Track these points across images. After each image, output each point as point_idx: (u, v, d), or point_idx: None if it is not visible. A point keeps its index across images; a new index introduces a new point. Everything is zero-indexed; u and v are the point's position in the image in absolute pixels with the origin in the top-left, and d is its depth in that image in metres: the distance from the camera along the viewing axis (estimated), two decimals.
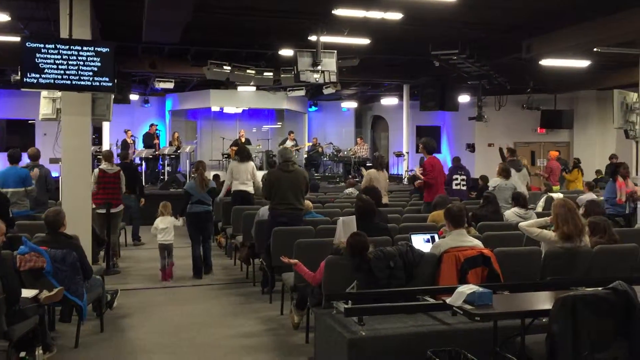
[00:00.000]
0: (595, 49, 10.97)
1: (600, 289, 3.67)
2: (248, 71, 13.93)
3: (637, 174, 15.33)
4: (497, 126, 18.24)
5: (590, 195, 9.81)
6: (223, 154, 17.76)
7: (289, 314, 5.90)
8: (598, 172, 14.97)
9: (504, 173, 10.17)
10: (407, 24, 10.31)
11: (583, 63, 12.98)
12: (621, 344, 3.51)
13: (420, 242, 5.41)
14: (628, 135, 9.44)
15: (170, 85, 16.08)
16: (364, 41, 11.31)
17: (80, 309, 5.15)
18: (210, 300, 7.02)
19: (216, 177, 13.07)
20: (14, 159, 8.16)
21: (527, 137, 18.66)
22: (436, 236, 5.55)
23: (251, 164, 9.60)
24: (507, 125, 18.45)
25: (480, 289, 3.67)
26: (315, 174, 18.00)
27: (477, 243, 4.95)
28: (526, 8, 9.92)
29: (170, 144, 17.12)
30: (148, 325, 5.93)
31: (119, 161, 11.02)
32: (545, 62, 12.43)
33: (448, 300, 3.83)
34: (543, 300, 3.94)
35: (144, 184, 15.69)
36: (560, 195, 9.29)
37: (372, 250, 4.68)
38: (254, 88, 16.82)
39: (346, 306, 4.08)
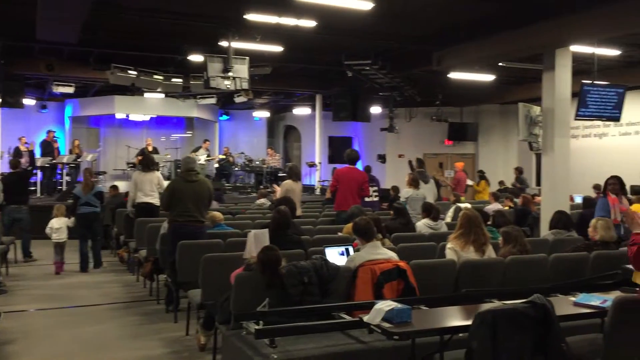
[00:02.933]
0: (500, 63, 11.33)
1: (518, 302, 3.59)
2: (155, 77, 13.30)
3: (536, 185, 16.15)
4: (407, 137, 18.56)
5: (497, 206, 10.06)
6: (128, 163, 16.93)
7: (194, 335, 5.50)
8: (501, 183, 15.53)
9: (414, 183, 10.26)
10: (321, 32, 10.18)
11: (488, 77, 13.42)
12: (538, 358, 3.44)
13: (335, 255, 5.19)
14: (532, 147, 9.75)
15: (70, 90, 15.08)
16: (277, 48, 11.08)
17: None
18: (108, 321, 6.46)
19: (114, 187, 12.43)
20: None
21: (435, 148, 19.11)
22: (351, 248, 5.37)
23: (156, 174, 9.07)
24: (417, 136, 18.83)
25: (399, 306, 3.49)
26: (227, 184, 17.54)
27: (393, 255, 4.80)
28: (436, 20, 10.07)
29: (70, 152, 16.08)
30: (34, 353, 5.32)
31: (7, 169, 10.12)
32: (454, 75, 12.73)
33: (365, 319, 3.63)
34: (461, 315, 3.82)
35: (38, 194, 14.73)
36: (469, 206, 9.45)
37: (285, 265, 4.40)
38: (162, 95, 16.14)
39: (257, 327, 3.77)
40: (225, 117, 21.61)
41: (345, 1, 7.73)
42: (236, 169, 18.76)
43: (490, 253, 5.24)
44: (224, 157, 18.47)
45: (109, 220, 10.79)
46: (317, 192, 17.73)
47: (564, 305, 4.06)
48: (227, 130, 21.76)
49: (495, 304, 3.96)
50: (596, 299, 4.06)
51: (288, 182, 9.04)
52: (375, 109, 17.65)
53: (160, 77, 13.38)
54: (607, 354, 3.70)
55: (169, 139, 19.64)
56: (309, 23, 9.12)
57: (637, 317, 3.55)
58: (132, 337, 5.81)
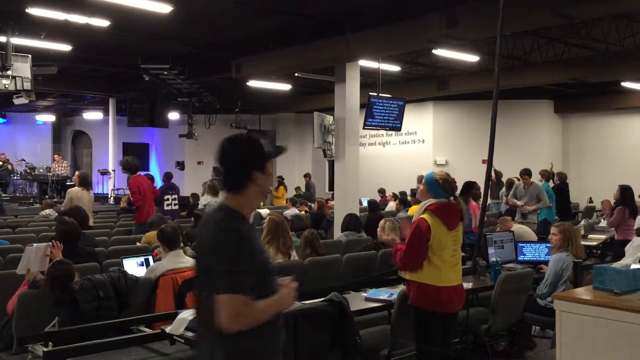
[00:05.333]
0: (296, 74, 11.82)
1: (317, 301, 3.78)
2: None
3: (329, 190, 17.16)
4: (206, 144, 18.40)
5: (294, 210, 10.47)
6: None
7: None
8: (297, 188, 16.20)
9: (212, 191, 10.25)
10: (115, 33, 9.68)
11: (285, 86, 13.93)
12: (337, 354, 3.66)
13: (134, 266, 4.98)
14: (326, 154, 10.33)
15: None
16: (65, 47, 10.25)
17: None
18: None
19: None
20: None
21: None
22: (150, 258, 5.19)
23: None
24: (216, 143, 18.51)
25: None
26: (4, 195, 15.75)
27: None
28: (234, 29, 10.17)
29: None
30: None
31: None
32: (253, 84, 12.98)
33: (168, 330, 3.54)
34: None
35: None
36: (268, 211, 9.69)
37: (78, 280, 4.09)
38: None
39: (46, 349, 3.44)
40: (1, 120, 19.44)
41: (141, 2, 7.43)
42: (15, 177, 16.95)
43: (294, 256, 5.43)
44: (0, 162, 16.55)
45: None
46: (111, 201, 16.77)
47: (357, 300, 4.38)
48: (4, 135, 19.62)
49: (295, 304, 4.12)
50: (384, 293, 4.45)
51: (74, 189, 8.44)
52: (174, 115, 17.28)
53: None
54: (394, 342, 4.07)
55: None
56: (102, 22, 8.61)
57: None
58: None
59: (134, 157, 9.16)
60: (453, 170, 13.03)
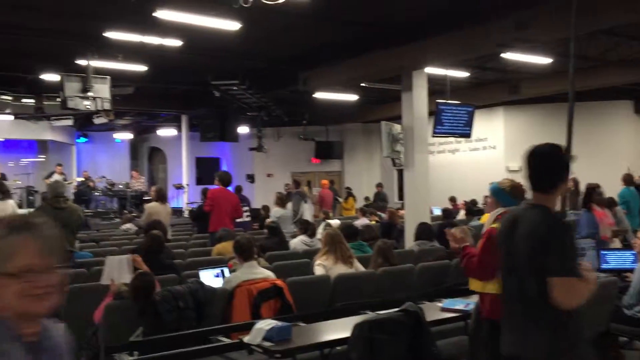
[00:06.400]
0: (362, 84, 11.85)
1: (392, 311, 3.75)
2: (3, 97, 12.30)
3: (398, 200, 17.02)
4: (275, 157, 18.74)
5: (364, 220, 10.46)
6: None
7: None
8: (367, 198, 16.16)
9: (281, 202, 10.41)
10: (186, 52, 10.02)
11: (352, 97, 13.97)
12: None
13: (210, 278, 5.11)
14: (395, 163, 10.26)
15: None
16: (141, 68, 10.71)
17: None
18: None
19: None
20: None
21: (303, 167, 19.48)
22: (226, 270, 5.31)
23: (10, 202, 8.39)
24: (285, 155, 19.08)
25: (279, 324, 3.51)
26: (87, 211, 16.53)
27: (269, 274, 4.82)
28: (301, 43, 10.33)
29: None
30: None
31: None
32: (319, 95, 13.10)
33: (246, 339, 3.60)
34: (340, 328, 3.91)
35: None
36: (338, 222, 9.73)
37: (159, 291, 4.24)
38: (11, 117, 14.91)
39: (131, 358, 3.59)
40: (83, 139, 20.45)
41: (212, 21, 7.67)
42: (97, 193, 17.76)
43: (357, 266, 5.44)
44: (83, 180, 17.38)
45: None
46: (186, 214, 17.28)
47: (433, 310, 4.31)
48: (85, 154, 20.59)
49: (370, 314, 4.10)
50: (460, 303, 4.36)
51: (153, 204, 8.72)
52: (243, 129, 17.66)
53: (9, 98, 12.41)
54: (472, 353, 3.97)
55: (18, 163, 18.12)
56: (175, 42, 8.95)
57: None
58: None
59: (227, 172, 9.44)
60: None
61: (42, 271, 1.44)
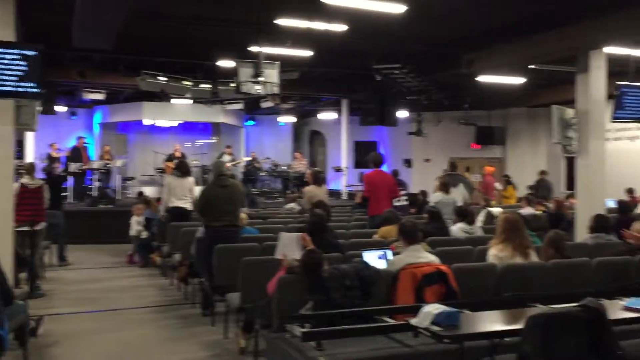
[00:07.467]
0: (530, 66, 11.20)
1: (569, 305, 3.53)
2: (184, 82, 13.43)
3: (567, 189, 15.92)
4: (433, 141, 18.46)
5: (530, 210, 9.94)
6: (156, 169, 17.07)
7: (234, 338, 5.51)
8: (531, 187, 15.33)
9: (444, 188, 10.17)
10: (351, 36, 10.16)
11: (518, 80, 13.26)
12: None
13: (374, 259, 5.17)
14: (566, 150, 9.60)
15: (100, 97, 15.33)
16: (307, 53, 11.08)
17: (0, 338, 4.58)
18: (146, 324, 6.51)
19: (140, 193, 12.56)
20: None
21: (462, 152, 18.97)
22: (389, 252, 5.35)
23: (190, 179, 9.22)
24: (443, 140, 18.72)
25: (448, 309, 3.46)
26: (253, 190, 17.60)
27: (434, 259, 4.77)
28: (468, 24, 10.00)
29: (101, 158, 16.29)
30: (78, 355, 5.39)
31: (42, 175, 10.25)
32: (483, 79, 12.61)
33: (413, 321, 3.60)
34: (508, 319, 3.78)
35: (70, 199, 14.93)
36: (500, 210, 9.35)
37: (327, 268, 4.40)
38: (189, 101, 16.28)
39: (304, 330, 3.76)
40: (251, 122, 21.72)
41: (378, 5, 7.70)
42: (262, 174, 18.81)
43: (533, 257, 5.17)
44: (250, 159, 18.47)
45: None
46: (344, 197, 17.71)
47: (615, 309, 3.99)
48: (252, 136, 21.86)
49: (541, 307, 3.90)
50: None
51: (310, 187, 9.04)
52: (402, 113, 17.59)
53: (189, 83, 13.50)
54: None
55: (194, 144, 19.78)
56: (340, 27, 9.11)
57: None
58: (172, 341, 5.85)
59: (378, 153, 9.57)
60: None
61: None
